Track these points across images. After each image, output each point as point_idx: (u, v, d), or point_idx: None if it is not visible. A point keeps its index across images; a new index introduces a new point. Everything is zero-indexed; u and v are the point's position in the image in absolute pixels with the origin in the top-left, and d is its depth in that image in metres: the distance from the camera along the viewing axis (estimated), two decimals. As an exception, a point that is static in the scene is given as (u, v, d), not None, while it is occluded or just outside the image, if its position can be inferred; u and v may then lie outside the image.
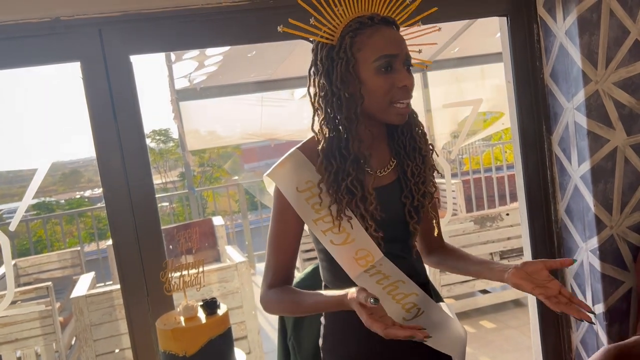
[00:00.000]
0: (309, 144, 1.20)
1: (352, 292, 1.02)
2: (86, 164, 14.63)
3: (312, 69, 1.18)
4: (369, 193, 1.14)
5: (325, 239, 1.16)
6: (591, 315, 1.03)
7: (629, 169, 1.90)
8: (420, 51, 1.22)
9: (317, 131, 1.17)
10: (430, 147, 1.24)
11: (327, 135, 1.15)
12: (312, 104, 1.18)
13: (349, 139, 1.13)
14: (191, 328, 1.46)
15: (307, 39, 1.17)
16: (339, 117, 1.13)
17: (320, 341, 1.26)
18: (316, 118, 1.17)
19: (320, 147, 1.15)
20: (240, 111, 5.06)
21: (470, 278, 3.78)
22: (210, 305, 1.53)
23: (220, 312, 1.53)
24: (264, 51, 4.20)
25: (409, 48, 1.18)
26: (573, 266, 2.04)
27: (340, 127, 1.13)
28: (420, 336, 0.93)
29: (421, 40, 1.23)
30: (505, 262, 4.19)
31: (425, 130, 1.25)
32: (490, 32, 3.99)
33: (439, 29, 1.27)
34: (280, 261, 1.20)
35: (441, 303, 1.29)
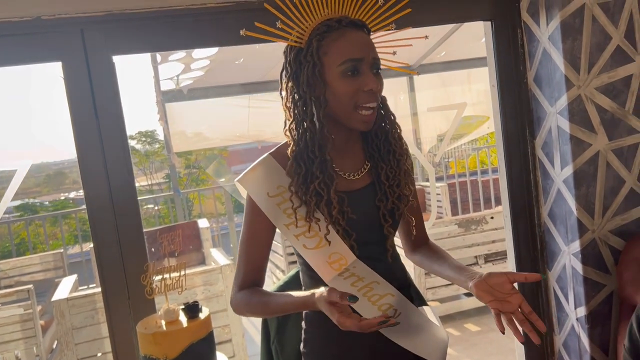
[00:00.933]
0: (282, 149, 1.20)
1: (320, 291, 1.02)
2: (71, 166, 14.47)
3: (283, 71, 1.17)
4: (336, 196, 1.13)
5: (298, 243, 1.16)
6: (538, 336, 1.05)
7: (611, 174, 1.91)
8: (394, 53, 1.22)
9: (287, 134, 1.17)
10: (406, 151, 1.24)
11: (295, 138, 1.15)
12: (283, 107, 1.18)
13: (315, 142, 1.12)
14: (172, 332, 1.44)
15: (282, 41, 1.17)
16: (306, 121, 1.13)
17: (301, 345, 1.25)
18: (287, 121, 1.17)
19: (289, 150, 1.15)
20: (227, 113, 5.04)
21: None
22: (192, 309, 1.51)
23: (202, 315, 1.52)
24: (252, 60, 4.17)
25: (386, 50, 1.17)
26: (555, 270, 2.05)
27: (307, 131, 1.13)
28: (392, 321, 0.98)
29: (398, 42, 1.22)
30: (489, 265, 4.18)
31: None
32: (477, 37, 4.00)
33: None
34: (250, 264, 1.20)
35: (423, 307, 1.28)
